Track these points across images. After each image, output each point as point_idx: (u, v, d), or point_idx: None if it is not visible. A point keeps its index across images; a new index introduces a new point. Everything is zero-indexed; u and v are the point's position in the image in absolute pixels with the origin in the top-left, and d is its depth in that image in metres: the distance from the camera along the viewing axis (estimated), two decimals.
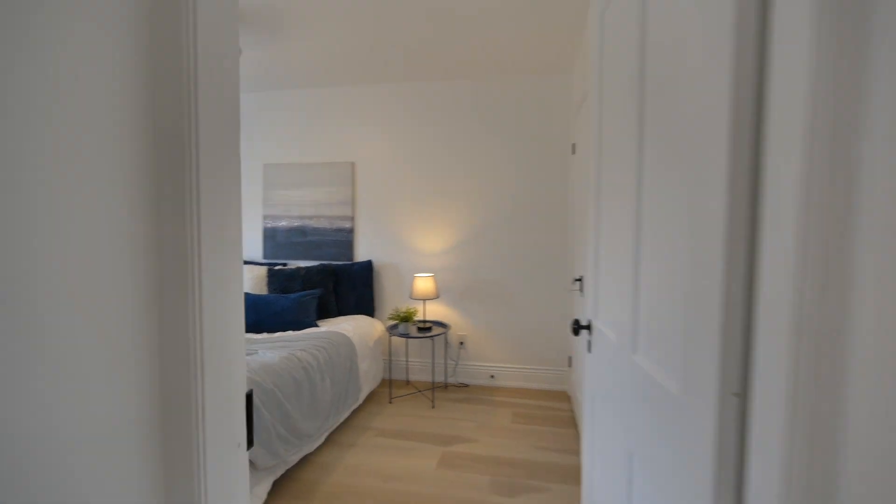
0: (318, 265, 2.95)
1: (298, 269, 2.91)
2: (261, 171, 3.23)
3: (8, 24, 0.37)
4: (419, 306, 2.95)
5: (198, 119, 0.52)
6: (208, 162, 0.54)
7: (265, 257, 3.25)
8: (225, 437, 0.58)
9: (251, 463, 1.49)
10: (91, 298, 0.44)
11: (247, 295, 2.72)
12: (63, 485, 0.42)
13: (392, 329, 2.74)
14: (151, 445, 0.51)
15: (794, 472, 0.38)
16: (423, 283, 2.75)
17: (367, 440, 2.21)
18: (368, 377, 2.64)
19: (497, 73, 2.80)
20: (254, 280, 2.91)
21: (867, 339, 0.34)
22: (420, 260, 3.04)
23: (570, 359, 2.77)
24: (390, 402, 2.70)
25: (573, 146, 2.67)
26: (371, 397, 2.78)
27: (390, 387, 2.92)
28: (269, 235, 3.23)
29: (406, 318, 2.72)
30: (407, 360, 3.08)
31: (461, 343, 3.01)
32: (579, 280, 2.18)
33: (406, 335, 2.64)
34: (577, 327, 1.17)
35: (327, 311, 2.88)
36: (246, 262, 3.16)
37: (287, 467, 1.77)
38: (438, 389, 2.91)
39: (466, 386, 2.98)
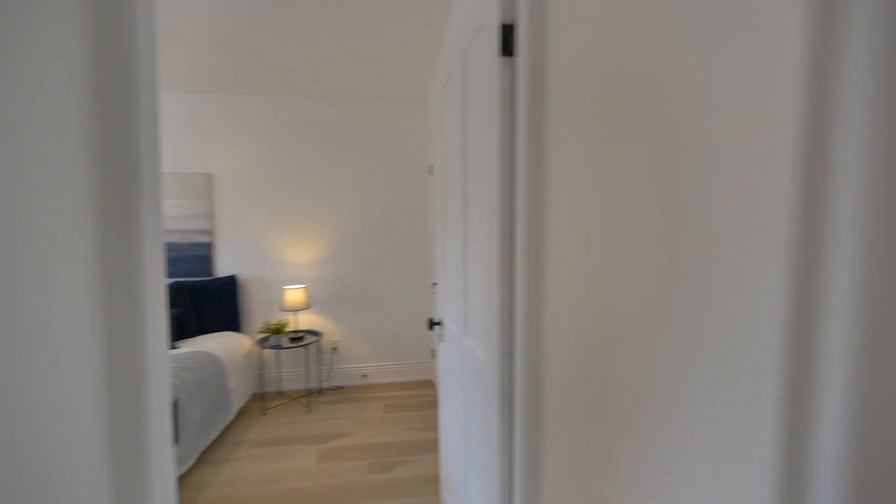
0: (172, 283, 2.79)
1: None
2: None
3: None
4: (291, 317, 3.02)
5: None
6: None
7: None
8: (164, 434, 0.75)
9: None
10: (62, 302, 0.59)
11: None
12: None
13: (263, 342, 2.77)
14: (105, 439, 0.66)
15: (528, 390, 0.76)
16: (294, 294, 2.85)
17: (244, 453, 2.26)
18: (238, 393, 2.63)
19: (360, 96, 3.05)
20: None
21: (551, 317, 0.73)
22: (290, 272, 3.11)
23: (432, 351, 3.20)
24: (263, 414, 2.73)
25: (430, 167, 3.10)
26: (243, 412, 2.77)
27: (263, 399, 2.94)
28: None
29: (277, 330, 2.78)
30: (280, 372, 3.12)
31: (334, 348, 3.18)
32: (436, 284, 2.60)
33: (278, 346, 2.71)
34: (432, 323, 1.53)
35: (187, 330, 2.75)
36: None
37: None
38: (313, 395, 3.04)
39: (341, 388, 3.17)
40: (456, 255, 1.24)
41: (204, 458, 2.19)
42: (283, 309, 2.84)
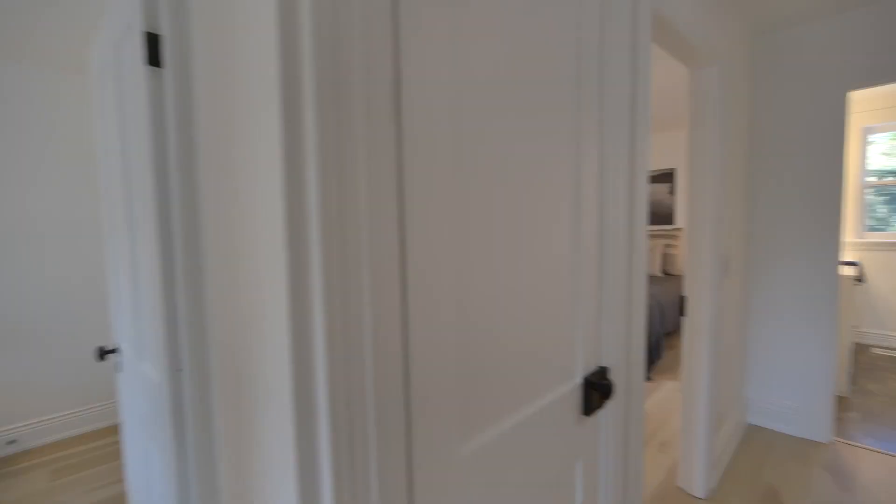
0: None
1: None
2: None
3: None
4: None
5: None
6: None
7: None
8: None
9: None
10: None
11: None
12: None
13: None
14: None
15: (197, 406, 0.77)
16: None
17: None
18: None
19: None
20: None
21: (213, 323, 0.76)
22: None
23: None
24: None
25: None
26: None
27: None
28: None
29: None
30: None
31: None
32: None
33: None
34: (103, 352, 1.28)
35: None
36: None
37: None
38: None
39: None
40: (126, 265, 1.09)
41: None
42: None
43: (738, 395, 2.45)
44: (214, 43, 0.63)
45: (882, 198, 3.94)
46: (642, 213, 1.01)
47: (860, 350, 3.81)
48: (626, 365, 0.99)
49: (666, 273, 4.98)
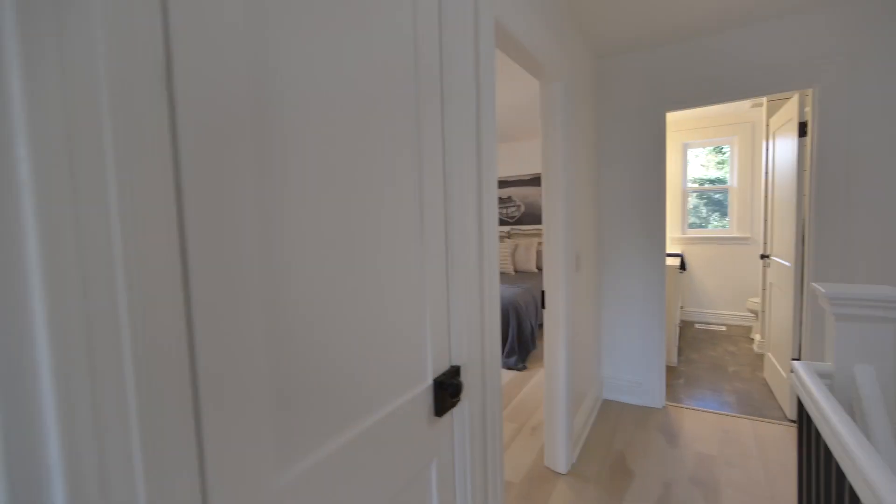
0: None
1: None
2: None
3: None
4: None
5: None
6: None
7: None
8: None
9: None
10: None
11: None
12: None
13: None
14: None
15: None
16: None
17: None
18: None
19: None
20: None
21: None
22: None
23: None
24: None
25: None
26: None
27: None
28: None
29: None
30: None
31: None
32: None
33: None
34: None
35: None
36: None
37: None
38: None
39: None
40: None
41: None
42: None
43: (596, 375, 2.78)
44: None
45: (703, 200, 4.85)
46: (492, 218, 1.06)
47: (686, 326, 4.62)
48: (480, 362, 1.03)
49: (539, 269, 5.46)
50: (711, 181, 4.80)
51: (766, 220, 3.17)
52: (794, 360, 2.46)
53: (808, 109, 2.32)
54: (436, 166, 0.85)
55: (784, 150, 2.64)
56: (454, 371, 0.92)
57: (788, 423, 2.45)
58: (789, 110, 2.51)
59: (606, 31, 2.31)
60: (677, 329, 3.60)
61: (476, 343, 1.00)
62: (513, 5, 1.37)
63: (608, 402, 2.83)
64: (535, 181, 5.59)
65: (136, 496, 0.38)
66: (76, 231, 0.35)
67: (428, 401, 0.85)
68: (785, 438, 2.31)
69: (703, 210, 4.85)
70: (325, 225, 0.60)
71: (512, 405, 2.88)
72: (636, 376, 2.78)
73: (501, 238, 5.32)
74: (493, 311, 1.07)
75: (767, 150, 3.17)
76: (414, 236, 0.79)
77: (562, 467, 2.08)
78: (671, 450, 2.24)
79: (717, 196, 4.78)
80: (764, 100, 3.42)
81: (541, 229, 5.54)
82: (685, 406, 2.73)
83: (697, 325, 4.63)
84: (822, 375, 1.42)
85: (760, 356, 3.56)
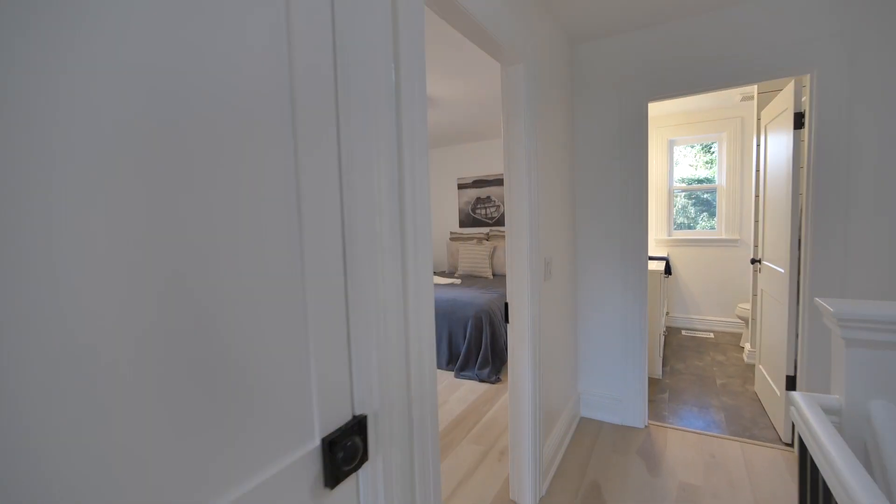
0: None
1: None
2: None
3: None
4: None
5: None
6: None
7: None
8: None
9: None
10: None
11: None
12: None
13: None
14: None
15: None
16: None
17: None
18: None
19: None
20: None
21: None
22: None
23: None
24: None
25: None
26: None
27: None
28: None
29: None
30: None
31: None
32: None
33: None
34: None
35: None
36: None
37: None
38: None
39: None
40: None
41: None
42: None
43: (573, 390, 2.52)
44: None
45: (692, 200, 4.62)
46: (424, 230, 0.79)
47: (672, 333, 4.39)
48: (406, 402, 0.76)
49: None
50: (699, 181, 4.57)
51: (756, 222, 2.94)
52: (789, 376, 2.22)
53: (804, 99, 2.08)
54: (329, 178, 0.57)
55: (777, 144, 2.40)
56: (355, 424, 0.65)
57: (783, 447, 2.21)
58: (783, 100, 2.27)
59: (577, 12, 2.05)
60: (662, 338, 3.36)
61: (398, 377, 0.74)
62: None
63: (586, 421, 2.57)
64: (501, 182, 5.34)
65: None
66: None
67: (314, 468, 0.59)
68: (778, 464, 2.07)
69: (692, 210, 4.62)
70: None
71: (480, 425, 2.61)
72: (615, 392, 2.53)
73: (479, 240, 5.04)
74: (424, 337, 0.81)
75: (758, 145, 2.94)
76: (290, 263, 0.52)
77: (528, 500, 1.82)
78: (651, 479, 1.99)
79: (705, 196, 4.56)
80: (755, 92, 3.20)
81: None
82: (669, 426, 2.48)
83: (684, 332, 4.40)
84: (828, 411, 1.17)
85: (751, 367, 3.33)
